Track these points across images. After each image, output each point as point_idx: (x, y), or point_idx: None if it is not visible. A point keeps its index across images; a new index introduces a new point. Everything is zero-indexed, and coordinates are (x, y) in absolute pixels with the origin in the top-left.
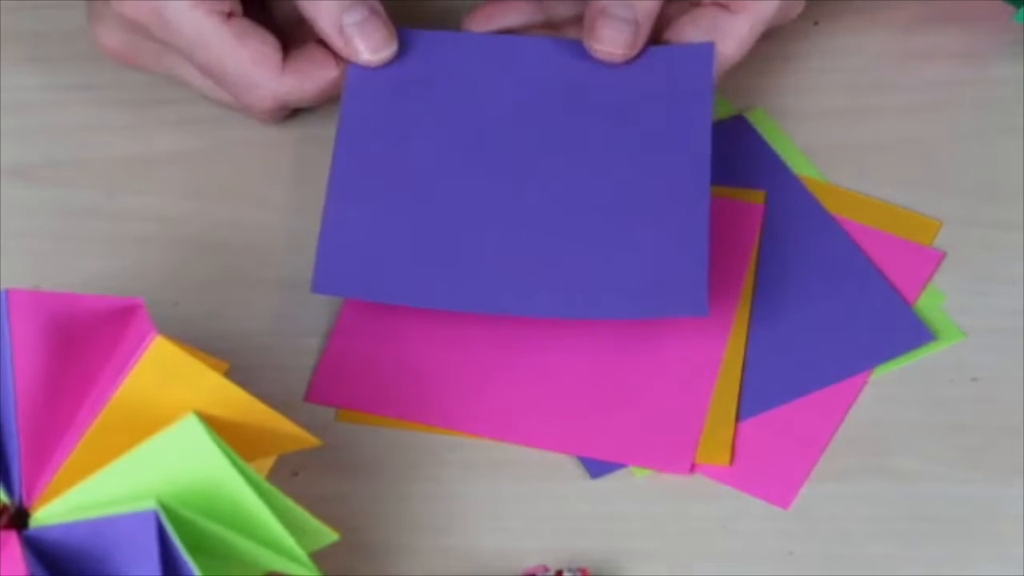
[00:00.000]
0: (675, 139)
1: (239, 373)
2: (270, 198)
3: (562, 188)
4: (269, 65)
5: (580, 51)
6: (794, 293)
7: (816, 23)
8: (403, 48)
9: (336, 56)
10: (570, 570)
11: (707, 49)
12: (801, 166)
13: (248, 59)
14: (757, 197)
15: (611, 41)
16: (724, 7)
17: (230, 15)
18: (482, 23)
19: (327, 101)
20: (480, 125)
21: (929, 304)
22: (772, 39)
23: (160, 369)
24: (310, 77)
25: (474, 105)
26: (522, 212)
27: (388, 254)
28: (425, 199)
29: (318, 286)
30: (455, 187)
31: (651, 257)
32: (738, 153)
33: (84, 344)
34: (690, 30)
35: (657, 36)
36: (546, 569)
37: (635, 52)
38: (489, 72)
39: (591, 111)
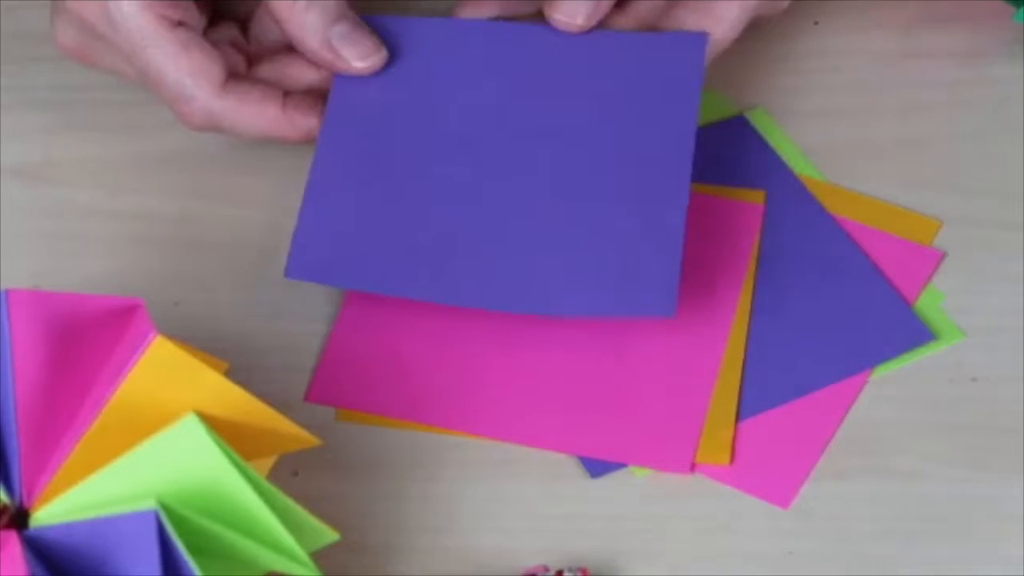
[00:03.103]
0: (660, 130)
1: (239, 373)
2: (269, 198)
3: (543, 178)
4: (208, 79)
5: (569, 37)
6: (794, 293)
7: (816, 23)
8: (389, 37)
9: (283, 97)
10: (570, 570)
11: (701, 39)
12: (801, 166)
13: (187, 69)
14: (757, 197)
15: (568, 11)
16: None
17: (179, 23)
18: (472, 11)
19: (262, 139)
20: (464, 114)
21: (929, 304)
22: (772, 38)
23: (160, 369)
24: (248, 104)
25: (459, 93)
26: (500, 203)
27: (362, 242)
28: (403, 190)
29: (292, 271)
30: (434, 178)
31: (623, 255)
32: (738, 153)
33: (84, 344)
34: (681, 13)
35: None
36: (546, 569)
37: (594, 22)
38: (475, 59)
39: (578, 97)
